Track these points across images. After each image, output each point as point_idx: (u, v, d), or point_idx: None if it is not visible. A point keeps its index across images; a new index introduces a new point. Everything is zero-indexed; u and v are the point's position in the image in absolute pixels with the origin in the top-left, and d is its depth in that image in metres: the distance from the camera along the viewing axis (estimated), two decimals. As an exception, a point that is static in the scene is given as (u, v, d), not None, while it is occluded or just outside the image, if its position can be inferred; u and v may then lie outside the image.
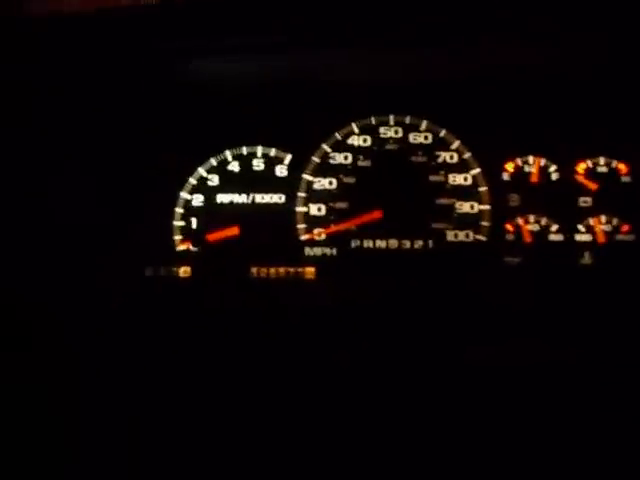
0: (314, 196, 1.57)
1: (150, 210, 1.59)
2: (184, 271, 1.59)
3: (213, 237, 1.58)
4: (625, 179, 1.58)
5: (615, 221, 1.57)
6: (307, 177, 1.57)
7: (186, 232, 1.59)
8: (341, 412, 1.26)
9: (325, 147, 1.57)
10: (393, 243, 1.56)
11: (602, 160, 1.58)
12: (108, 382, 1.30)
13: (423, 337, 1.47)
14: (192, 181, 1.59)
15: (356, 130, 1.57)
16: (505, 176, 1.57)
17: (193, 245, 1.59)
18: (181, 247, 1.59)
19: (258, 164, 1.58)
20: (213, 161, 1.59)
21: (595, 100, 1.56)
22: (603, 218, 1.57)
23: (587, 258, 1.57)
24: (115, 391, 1.28)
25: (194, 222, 1.59)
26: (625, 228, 1.57)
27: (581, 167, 1.58)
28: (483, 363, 1.43)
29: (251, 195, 1.58)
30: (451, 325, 1.48)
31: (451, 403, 1.41)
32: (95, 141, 1.58)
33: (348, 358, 1.46)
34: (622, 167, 1.59)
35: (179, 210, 1.59)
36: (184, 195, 1.59)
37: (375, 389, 1.42)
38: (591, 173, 1.58)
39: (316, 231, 1.57)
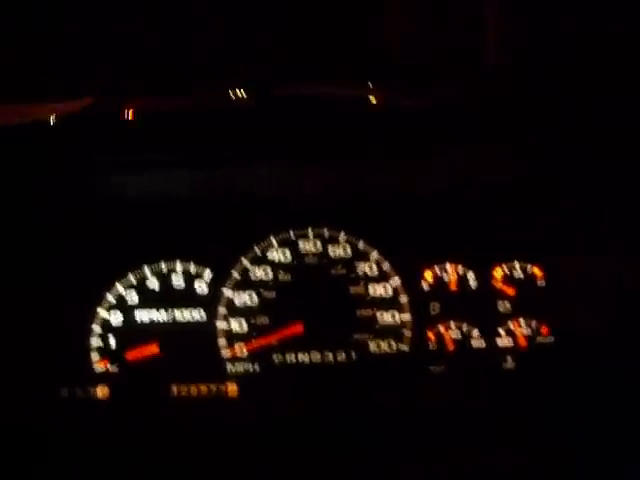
0: (235, 311, 1.55)
1: (65, 328, 1.54)
2: (102, 392, 1.54)
3: (132, 356, 1.53)
4: (540, 283, 1.62)
5: (534, 324, 1.60)
6: (227, 292, 1.55)
7: (104, 351, 1.54)
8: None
9: (245, 261, 1.57)
10: (315, 356, 1.54)
11: (517, 265, 1.62)
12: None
13: (352, 450, 1.45)
14: (110, 298, 1.55)
15: (275, 244, 1.58)
16: (424, 285, 1.59)
17: (111, 364, 1.54)
18: (99, 367, 1.54)
19: (178, 280, 1.56)
20: (131, 277, 1.56)
21: (506, 205, 1.60)
22: (522, 321, 1.59)
23: (509, 362, 1.58)
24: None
25: (112, 340, 1.54)
26: (544, 330, 1.60)
27: (498, 272, 1.61)
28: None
29: (171, 312, 1.55)
30: (381, 436, 1.47)
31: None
32: (9, 256, 1.54)
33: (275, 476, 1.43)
34: (537, 271, 1.62)
35: (96, 328, 1.55)
36: (102, 312, 1.55)
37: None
38: (508, 278, 1.61)
39: (237, 347, 1.54)
